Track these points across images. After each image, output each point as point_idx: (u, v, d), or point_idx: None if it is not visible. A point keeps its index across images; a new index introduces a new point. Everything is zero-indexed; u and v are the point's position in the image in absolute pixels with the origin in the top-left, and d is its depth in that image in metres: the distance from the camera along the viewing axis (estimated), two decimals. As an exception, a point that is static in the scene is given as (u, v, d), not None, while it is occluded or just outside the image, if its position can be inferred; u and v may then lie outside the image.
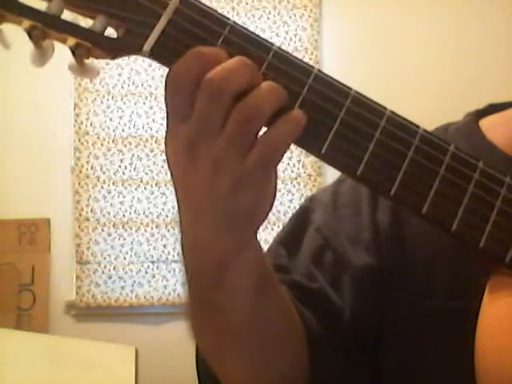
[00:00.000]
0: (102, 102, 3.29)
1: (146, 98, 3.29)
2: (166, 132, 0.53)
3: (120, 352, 2.47)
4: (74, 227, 3.26)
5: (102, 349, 2.51)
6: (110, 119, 3.29)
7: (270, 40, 0.54)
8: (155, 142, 3.29)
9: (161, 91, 3.25)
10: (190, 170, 0.52)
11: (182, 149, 0.52)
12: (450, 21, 3.39)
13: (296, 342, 0.64)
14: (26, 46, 0.52)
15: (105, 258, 3.26)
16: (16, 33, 0.53)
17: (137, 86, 3.29)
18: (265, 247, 0.69)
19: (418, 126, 0.56)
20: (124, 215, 3.27)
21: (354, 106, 0.54)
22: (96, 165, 3.28)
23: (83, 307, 3.24)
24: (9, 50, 0.49)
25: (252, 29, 0.53)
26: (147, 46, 0.51)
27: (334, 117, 0.53)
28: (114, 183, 3.28)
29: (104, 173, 3.28)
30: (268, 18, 3.36)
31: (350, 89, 0.54)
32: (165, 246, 3.27)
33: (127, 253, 3.26)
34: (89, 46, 0.51)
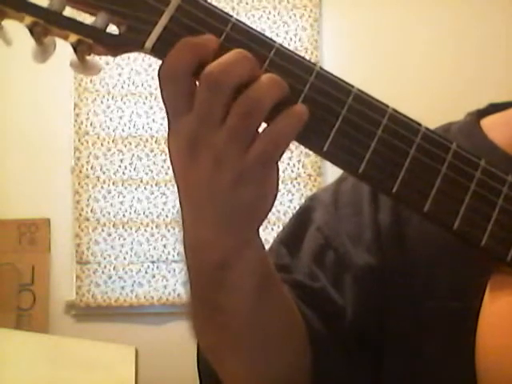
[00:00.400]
0: (101, 102, 3.29)
1: (146, 98, 3.29)
2: (168, 130, 0.53)
3: (120, 352, 2.47)
4: (74, 227, 3.26)
5: (102, 349, 2.51)
6: (110, 119, 3.29)
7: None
8: (155, 142, 3.29)
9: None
10: (192, 166, 0.51)
11: (184, 143, 0.51)
12: (450, 21, 3.39)
13: (298, 341, 0.64)
14: (26, 46, 0.51)
15: (105, 258, 3.26)
16: (16, 33, 0.53)
17: (137, 86, 3.29)
18: (265, 247, 0.69)
19: (419, 124, 0.55)
20: (124, 215, 3.27)
21: (356, 103, 0.54)
22: (96, 165, 3.28)
23: (83, 307, 3.24)
24: (8, 51, 0.49)
25: (252, 29, 0.53)
26: (149, 43, 0.51)
27: (335, 114, 0.53)
28: (114, 183, 3.28)
29: (104, 173, 3.28)
30: (268, 18, 3.36)
31: (352, 86, 0.54)
32: (165, 246, 3.27)
33: (127, 253, 3.26)
34: (90, 43, 0.51)
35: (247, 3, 3.35)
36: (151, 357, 3.04)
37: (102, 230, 3.26)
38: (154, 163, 3.28)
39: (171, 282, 3.25)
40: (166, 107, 0.52)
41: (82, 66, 0.52)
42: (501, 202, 0.56)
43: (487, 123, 0.74)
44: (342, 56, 3.35)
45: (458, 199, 0.55)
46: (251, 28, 0.53)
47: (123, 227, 3.27)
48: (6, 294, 3.16)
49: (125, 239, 3.26)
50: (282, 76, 0.52)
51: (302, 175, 3.28)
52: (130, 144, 3.29)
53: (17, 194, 3.26)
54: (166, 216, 3.27)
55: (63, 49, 0.54)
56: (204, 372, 0.68)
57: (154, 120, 3.30)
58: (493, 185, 0.56)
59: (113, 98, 3.29)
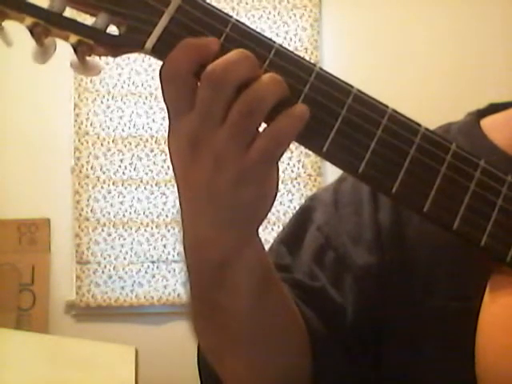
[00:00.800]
0: (102, 102, 3.29)
1: (146, 98, 3.29)
2: (169, 128, 0.53)
3: (120, 352, 2.47)
4: (73, 227, 3.26)
5: (102, 349, 2.51)
6: (110, 119, 3.29)
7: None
8: (155, 142, 3.29)
9: (161, 91, 3.24)
10: (192, 165, 0.52)
11: (184, 143, 0.51)
12: (449, 21, 3.39)
13: (298, 341, 0.64)
14: (26, 46, 0.52)
15: (105, 258, 3.26)
16: (16, 33, 0.53)
17: (137, 86, 3.29)
18: (265, 247, 0.69)
19: (419, 125, 0.55)
20: (124, 215, 3.27)
21: (356, 103, 0.54)
22: (96, 165, 3.27)
23: (83, 307, 3.24)
24: (9, 51, 0.49)
25: (252, 29, 0.53)
26: (149, 44, 0.51)
27: (335, 115, 0.53)
28: (114, 183, 3.28)
29: (104, 173, 3.28)
30: (268, 18, 3.36)
31: (352, 87, 0.54)
32: (165, 245, 3.27)
33: (127, 253, 3.26)
34: (91, 44, 0.51)
35: (247, 3, 3.35)
36: (151, 357, 3.04)
37: (102, 230, 3.26)
38: (154, 163, 3.28)
39: (171, 282, 3.25)
40: (167, 107, 0.52)
41: (83, 66, 0.52)
42: (500, 202, 0.56)
43: (487, 123, 0.74)
44: (342, 56, 3.35)
45: (457, 199, 0.55)
46: (251, 28, 0.53)
47: (123, 227, 3.27)
48: (6, 294, 3.16)
49: (125, 239, 3.26)
50: (281, 76, 0.52)
51: (301, 175, 3.28)
52: (130, 144, 3.29)
53: (17, 194, 3.26)
54: (166, 216, 3.27)
55: (63, 49, 0.55)
56: (204, 372, 0.68)
57: (153, 120, 3.29)
58: (492, 185, 0.56)
59: (113, 97, 3.29)
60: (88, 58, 0.52)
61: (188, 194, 0.53)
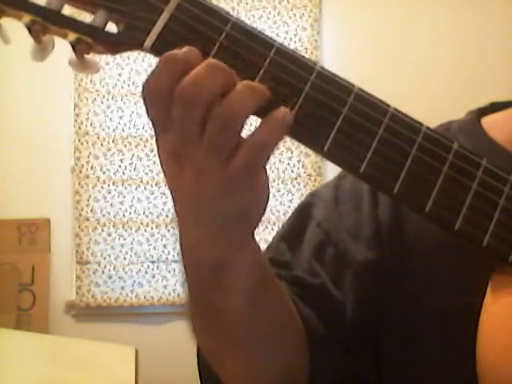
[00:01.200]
0: (102, 102, 3.29)
1: (146, 97, 3.28)
2: (155, 141, 0.53)
3: (120, 352, 2.47)
4: (74, 227, 3.25)
5: (102, 349, 2.50)
6: (110, 119, 3.29)
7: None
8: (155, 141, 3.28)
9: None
10: (179, 177, 0.51)
11: (168, 157, 0.52)
12: (449, 21, 3.39)
13: (296, 340, 0.64)
14: (25, 46, 0.51)
15: (105, 258, 3.26)
16: (15, 32, 0.52)
17: (137, 86, 3.29)
18: (264, 247, 0.68)
19: (421, 124, 0.55)
20: (124, 215, 3.27)
21: (357, 102, 0.53)
22: (96, 165, 3.27)
23: (83, 307, 3.24)
24: (8, 51, 0.48)
25: (252, 29, 0.53)
26: (149, 42, 0.51)
27: (336, 113, 0.53)
28: (114, 183, 3.28)
29: (104, 173, 3.28)
30: (268, 18, 3.36)
31: (353, 85, 0.54)
32: (165, 246, 3.27)
33: (127, 253, 3.26)
34: (89, 42, 0.51)
35: (247, 3, 3.35)
36: (151, 357, 3.03)
37: (102, 230, 3.26)
38: (154, 163, 3.28)
39: (171, 282, 3.25)
40: (150, 121, 0.52)
41: (81, 64, 0.52)
42: (502, 201, 0.56)
43: (488, 122, 0.74)
44: (342, 56, 3.35)
45: (459, 199, 0.55)
46: (251, 27, 0.53)
47: (123, 227, 3.27)
48: (6, 293, 3.16)
49: (125, 239, 3.26)
50: (282, 75, 0.52)
51: (301, 175, 3.28)
52: (130, 144, 3.29)
53: (17, 194, 3.26)
54: (166, 216, 3.27)
55: (63, 49, 0.54)
56: (204, 372, 0.68)
57: (154, 120, 3.29)
58: (494, 184, 0.56)
59: (113, 97, 3.29)
60: (87, 55, 0.51)
61: (180, 202, 0.53)
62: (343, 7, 3.42)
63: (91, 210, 3.26)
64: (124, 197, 3.28)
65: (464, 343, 0.56)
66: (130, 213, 3.27)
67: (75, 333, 3.13)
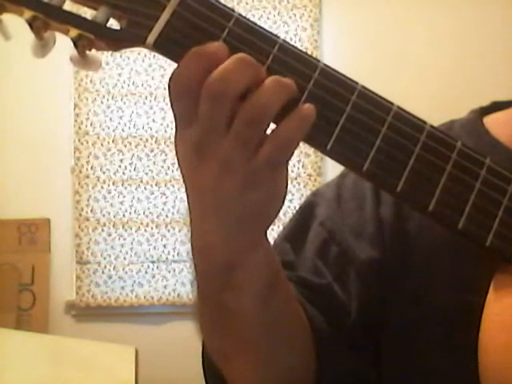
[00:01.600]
0: (102, 102, 3.29)
1: (146, 97, 3.29)
2: (175, 134, 0.52)
3: (120, 352, 2.46)
4: (74, 227, 3.25)
5: (102, 349, 2.50)
6: (110, 119, 3.29)
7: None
8: (155, 141, 3.29)
9: (161, 91, 3.25)
10: (199, 172, 0.51)
11: (190, 152, 0.51)
12: (449, 21, 3.39)
13: (302, 340, 0.64)
14: (26, 45, 0.51)
15: (105, 258, 3.26)
16: (16, 31, 0.52)
17: (137, 86, 3.29)
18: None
19: (425, 122, 0.55)
20: (124, 215, 3.27)
21: (361, 100, 0.53)
22: (96, 165, 3.27)
23: (83, 307, 3.24)
24: (8, 51, 0.48)
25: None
26: (151, 38, 0.51)
27: (340, 112, 0.52)
28: (114, 183, 3.28)
29: (104, 173, 3.28)
30: (268, 18, 3.36)
31: (357, 83, 0.53)
32: (165, 246, 3.27)
33: (127, 253, 3.26)
34: (91, 38, 0.50)
35: (247, 3, 3.35)
36: (151, 357, 3.04)
37: (102, 230, 3.26)
38: (154, 163, 3.28)
39: (171, 282, 3.25)
40: (174, 114, 0.52)
41: (83, 61, 0.51)
42: (506, 201, 0.55)
43: (490, 121, 0.74)
44: (342, 56, 3.35)
45: (463, 198, 0.55)
46: (254, 23, 0.52)
47: (123, 227, 3.26)
48: (6, 293, 3.16)
49: (125, 239, 3.26)
50: (285, 72, 0.51)
51: (301, 175, 3.28)
52: (130, 144, 3.29)
53: (17, 194, 3.26)
54: (166, 216, 3.27)
55: (63, 49, 0.54)
56: (209, 371, 0.68)
57: (153, 120, 3.29)
58: (498, 183, 0.55)
59: (113, 97, 3.29)
60: (88, 52, 0.51)
61: (196, 199, 0.53)
62: (343, 7, 3.42)
63: (91, 210, 3.26)
64: (124, 197, 3.28)
65: (465, 342, 0.56)
66: (130, 213, 3.27)
67: (75, 333, 3.13)
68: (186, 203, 0.54)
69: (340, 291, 0.69)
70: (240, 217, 0.52)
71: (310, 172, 3.28)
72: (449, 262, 0.66)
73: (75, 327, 3.25)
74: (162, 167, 3.27)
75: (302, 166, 3.28)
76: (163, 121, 3.28)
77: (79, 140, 3.27)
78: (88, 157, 3.27)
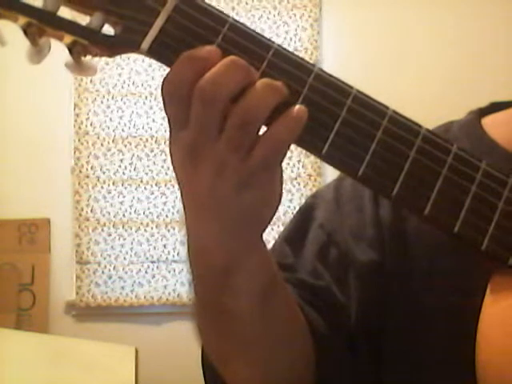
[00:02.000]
0: (102, 102, 3.29)
1: (146, 97, 3.29)
2: (170, 137, 0.53)
3: (120, 352, 2.47)
4: (74, 227, 3.25)
5: (102, 349, 2.51)
6: (110, 119, 3.29)
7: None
8: (155, 141, 3.29)
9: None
10: (194, 175, 0.51)
11: (184, 154, 0.51)
12: (449, 21, 3.39)
13: (301, 342, 0.64)
14: (26, 46, 0.51)
15: (105, 258, 3.26)
16: (15, 33, 0.52)
17: (137, 86, 3.29)
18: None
19: (420, 126, 0.55)
20: (124, 215, 3.27)
21: (356, 104, 0.53)
22: (96, 165, 3.27)
23: (83, 307, 3.23)
24: (8, 51, 0.48)
25: (252, 29, 0.53)
26: (145, 44, 0.51)
27: (335, 116, 0.52)
28: (113, 183, 3.28)
29: (104, 173, 3.28)
30: (268, 18, 3.36)
31: (352, 87, 0.53)
32: (165, 245, 3.27)
33: (127, 253, 3.26)
34: (86, 44, 0.50)
35: (247, 3, 3.35)
36: (151, 357, 3.04)
37: (102, 230, 3.26)
38: (154, 163, 3.28)
39: (171, 282, 3.25)
40: (167, 117, 0.52)
41: (78, 67, 0.51)
42: (502, 204, 0.55)
43: (488, 122, 0.74)
44: (342, 56, 3.35)
45: (458, 202, 0.55)
46: (249, 28, 0.52)
47: (123, 227, 3.26)
48: (6, 294, 3.16)
49: (125, 239, 3.26)
50: (280, 77, 0.51)
51: (301, 175, 3.28)
52: (130, 144, 3.29)
53: (17, 194, 3.26)
54: (166, 216, 3.27)
55: (63, 49, 0.54)
56: (208, 373, 0.68)
57: (153, 120, 3.29)
58: (494, 187, 0.55)
59: (113, 97, 3.29)
60: (83, 58, 0.51)
61: (192, 202, 0.53)
62: (343, 7, 3.42)
63: (91, 210, 3.26)
64: (124, 197, 3.28)
65: (463, 344, 0.55)
66: (130, 213, 3.27)
67: (75, 333, 3.13)
68: (181, 206, 0.54)
69: (339, 293, 0.69)
70: (235, 219, 0.52)
71: (310, 172, 3.28)
72: (447, 263, 0.66)
73: (75, 327, 3.25)
74: (162, 167, 3.27)
75: (302, 166, 3.28)
76: (163, 121, 3.27)
77: (79, 140, 3.27)
78: (88, 157, 3.27)
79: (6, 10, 0.48)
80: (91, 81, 3.27)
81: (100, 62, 0.52)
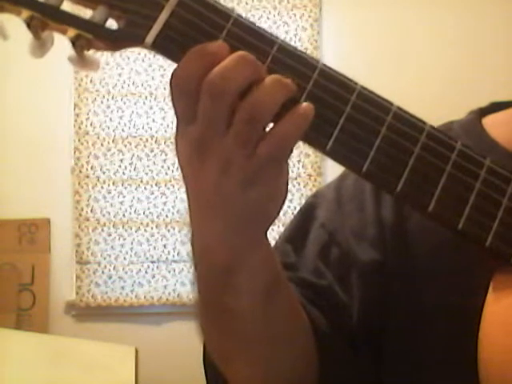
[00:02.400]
0: (102, 102, 3.29)
1: (146, 97, 3.29)
2: (176, 133, 0.52)
3: (120, 352, 2.47)
4: (74, 227, 3.25)
5: (102, 349, 2.51)
6: (110, 119, 3.29)
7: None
8: (155, 141, 3.29)
9: (161, 91, 3.25)
10: (200, 171, 0.51)
11: (191, 150, 0.51)
12: (450, 21, 3.39)
13: (304, 341, 0.64)
14: (26, 46, 0.51)
15: (105, 258, 3.26)
16: (16, 32, 0.52)
17: (137, 86, 3.29)
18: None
19: (424, 122, 0.55)
20: (124, 215, 3.27)
21: (360, 100, 0.53)
22: (96, 165, 3.27)
23: (83, 307, 3.23)
24: (8, 51, 0.48)
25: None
26: (149, 38, 0.50)
27: (339, 112, 0.52)
28: (113, 183, 3.28)
29: (104, 173, 3.28)
30: (268, 18, 3.36)
31: (356, 83, 0.53)
32: (165, 245, 3.27)
33: (127, 253, 3.26)
34: (89, 38, 0.50)
35: (247, 3, 3.35)
36: (151, 357, 3.04)
37: (102, 230, 3.26)
38: (154, 163, 3.28)
39: (171, 282, 3.25)
40: (175, 111, 0.52)
41: (81, 61, 0.51)
42: (506, 201, 0.55)
43: (489, 121, 0.74)
44: (342, 56, 3.35)
45: (462, 198, 0.54)
46: (253, 23, 0.52)
47: (123, 227, 3.26)
48: (6, 294, 3.16)
49: (125, 239, 3.26)
50: (284, 72, 0.51)
51: (301, 175, 3.28)
52: (130, 144, 3.29)
53: (17, 194, 3.25)
54: (166, 216, 3.27)
55: (63, 48, 0.54)
56: (210, 372, 0.68)
57: (153, 120, 3.29)
58: (498, 184, 0.55)
59: (113, 97, 3.29)
60: (86, 52, 0.51)
61: (196, 197, 0.53)
62: (343, 7, 3.42)
63: (91, 210, 3.26)
64: (124, 197, 3.28)
65: (465, 343, 0.55)
66: (130, 213, 3.27)
67: (75, 333, 3.13)
68: (186, 204, 0.54)
69: (342, 292, 0.69)
70: (240, 216, 0.52)
71: (310, 172, 3.28)
72: (448, 262, 0.66)
73: (75, 327, 3.25)
74: (162, 167, 3.27)
75: (302, 166, 3.27)
76: (163, 121, 3.27)
77: (79, 140, 3.27)
78: (88, 157, 3.27)
79: (9, 4, 0.48)
80: (91, 81, 3.27)
81: (101, 60, 0.51)
